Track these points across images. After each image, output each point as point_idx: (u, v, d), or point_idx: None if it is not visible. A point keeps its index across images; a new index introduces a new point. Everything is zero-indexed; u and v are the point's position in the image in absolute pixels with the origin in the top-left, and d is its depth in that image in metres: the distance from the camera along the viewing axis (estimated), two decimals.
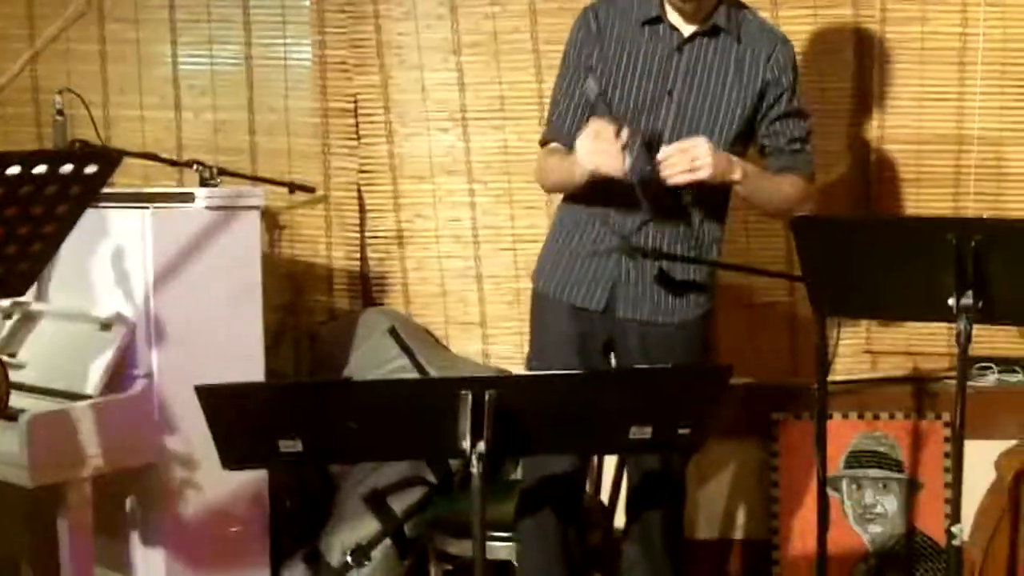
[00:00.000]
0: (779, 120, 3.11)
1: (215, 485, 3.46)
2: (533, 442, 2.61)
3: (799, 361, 3.97)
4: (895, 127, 3.88)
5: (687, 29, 3.08)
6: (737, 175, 2.97)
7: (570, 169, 3.01)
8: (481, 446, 2.46)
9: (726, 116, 3.07)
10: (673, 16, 3.08)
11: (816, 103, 3.90)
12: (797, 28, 3.90)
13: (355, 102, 4.24)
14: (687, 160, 2.88)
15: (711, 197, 3.09)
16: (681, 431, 2.64)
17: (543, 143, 3.25)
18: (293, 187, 4.15)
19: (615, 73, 3.09)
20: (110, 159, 2.42)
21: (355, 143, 4.25)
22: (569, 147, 3.04)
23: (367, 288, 4.28)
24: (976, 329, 2.73)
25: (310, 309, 4.31)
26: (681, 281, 3.11)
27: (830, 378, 3.37)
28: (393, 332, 3.90)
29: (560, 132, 3.17)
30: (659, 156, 2.91)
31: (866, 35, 3.88)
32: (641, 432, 2.60)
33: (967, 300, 2.67)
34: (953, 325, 2.72)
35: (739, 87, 3.07)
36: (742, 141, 3.13)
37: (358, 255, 4.28)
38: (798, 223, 2.81)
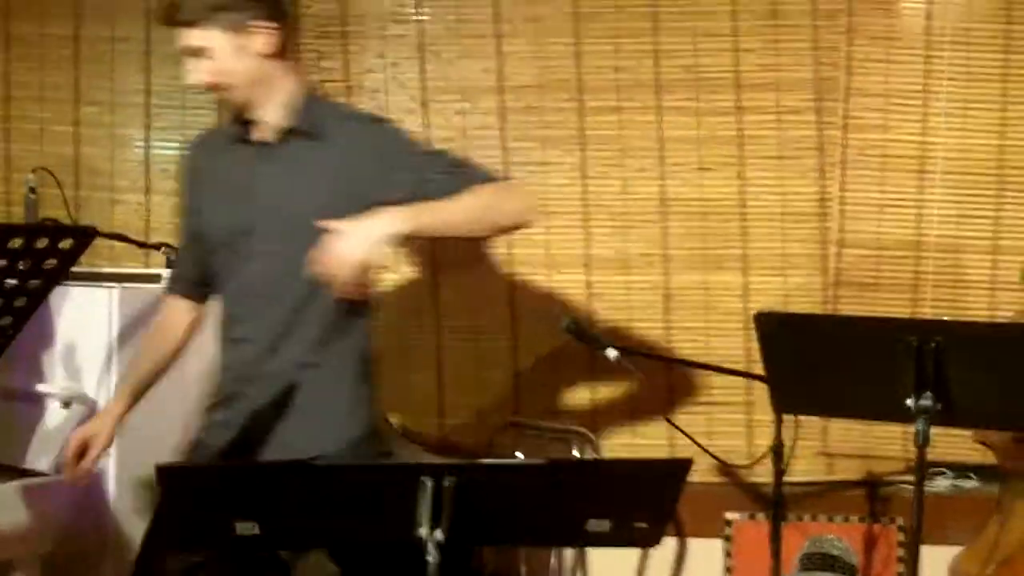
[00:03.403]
0: (412, 186, 2.83)
1: None
2: (491, 532, 2.61)
3: (754, 461, 4.00)
4: (855, 232, 3.95)
5: (268, 137, 2.90)
6: (399, 226, 2.71)
7: None
8: (438, 534, 2.46)
9: (322, 216, 2.75)
10: (254, 132, 2.92)
11: (777, 206, 3.99)
12: (760, 132, 4.00)
13: None
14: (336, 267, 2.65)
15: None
16: (638, 525, 2.65)
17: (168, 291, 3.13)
18: None
19: (210, 202, 2.96)
20: (85, 235, 2.45)
21: None
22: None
23: None
24: (932, 433, 2.76)
25: None
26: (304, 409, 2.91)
27: (785, 479, 3.39)
28: None
29: (178, 288, 3.09)
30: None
31: (828, 140, 3.97)
32: (599, 525, 2.61)
33: (926, 401, 2.70)
34: (910, 428, 2.75)
35: (330, 184, 2.84)
36: None
37: None
38: (761, 318, 2.85)
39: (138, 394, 2.99)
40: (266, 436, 2.88)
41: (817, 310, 3.93)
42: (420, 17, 4.20)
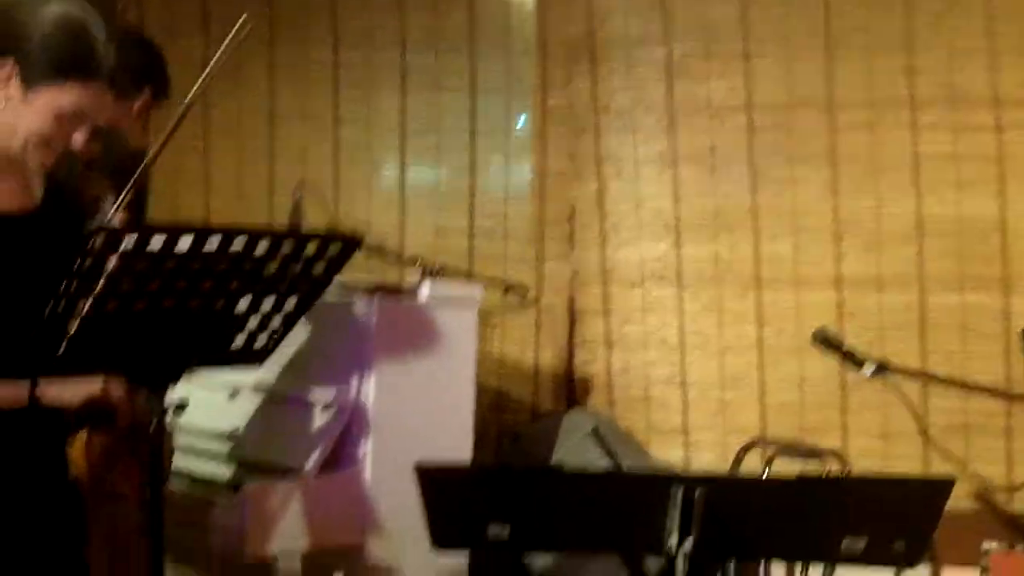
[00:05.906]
0: None
1: (417, 570, 3.51)
2: (741, 546, 2.59)
3: (1014, 489, 3.84)
4: None
5: None
6: None
7: None
8: (688, 544, 2.46)
9: None
10: None
11: None
12: (1021, 151, 3.85)
13: (572, 210, 4.35)
14: None
15: None
16: (895, 545, 2.58)
17: None
18: (507, 288, 4.26)
19: None
20: (353, 241, 2.54)
21: (569, 249, 4.35)
22: None
23: (572, 390, 4.35)
24: None
25: (515, 408, 4.39)
26: None
27: None
28: (596, 434, 3.94)
29: None
30: None
31: None
32: (854, 544, 2.56)
33: None
34: None
35: None
36: None
37: (565, 357, 4.35)
38: None
39: None
40: None
41: None
42: (668, 37, 4.22)
